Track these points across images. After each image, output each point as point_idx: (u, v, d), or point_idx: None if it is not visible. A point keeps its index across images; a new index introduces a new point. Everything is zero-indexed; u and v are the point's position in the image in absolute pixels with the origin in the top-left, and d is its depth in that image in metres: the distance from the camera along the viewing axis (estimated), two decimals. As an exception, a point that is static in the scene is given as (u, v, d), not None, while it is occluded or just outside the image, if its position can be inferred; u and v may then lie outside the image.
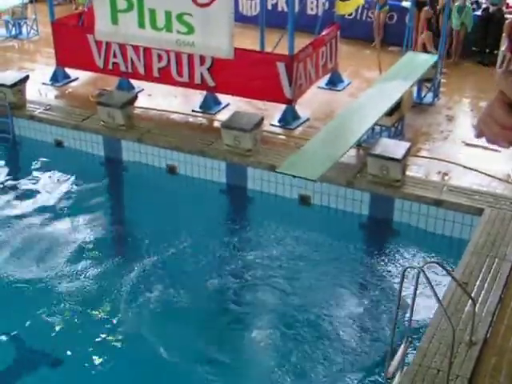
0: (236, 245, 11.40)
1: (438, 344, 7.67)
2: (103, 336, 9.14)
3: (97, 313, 9.60)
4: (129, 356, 8.86)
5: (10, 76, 14.60)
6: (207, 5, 12.20)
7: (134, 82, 14.75)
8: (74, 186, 12.77)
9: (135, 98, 13.60)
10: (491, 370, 7.34)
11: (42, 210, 12.03)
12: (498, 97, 1.66)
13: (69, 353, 8.86)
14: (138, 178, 13.04)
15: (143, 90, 14.76)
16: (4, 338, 9.13)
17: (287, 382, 8.39)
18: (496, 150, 11.81)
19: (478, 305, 8.00)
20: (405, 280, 7.22)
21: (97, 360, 8.72)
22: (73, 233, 11.36)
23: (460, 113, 14.14)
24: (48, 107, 14.20)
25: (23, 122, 14.12)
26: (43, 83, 15.39)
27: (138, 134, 13.02)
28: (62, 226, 11.57)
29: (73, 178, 12.99)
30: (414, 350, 7.93)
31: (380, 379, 7.95)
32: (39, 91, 15.03)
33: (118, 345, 9.04)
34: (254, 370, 8.72)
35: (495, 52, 16.41)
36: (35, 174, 13.23)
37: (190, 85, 13.82)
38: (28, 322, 9.36)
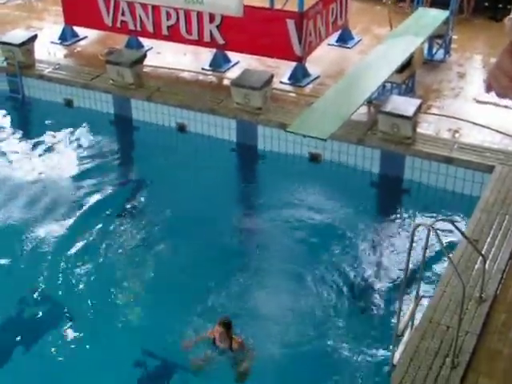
0: (246, 202, 11.45)
1: (447, 301, 7.71)
2: (110, 290, 9.24)
3: (103, 269, 9.66)
4: (141, 306, 8.97)
5: (18, 35, 14.50)
6: (216, -39, 12.07)
7: (142, 40, 14.65)
8: (84, 145, 12.79)
9: (144, 56, 13.52)
10: (501, 326, 7.38)
11: (51, 168, 12.07)
12: (507, 48, 1.64)
13: (77, 308, 8.98)
14: (147, 136, 13.04)
15: (152, 48, 14.68)
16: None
17: (296, 334, 8.49)
18: (508, 107, 11.75)
19: (488, 262, 8.02)
20: (415, 237, 7.24)
21: (103, 313, 8.84)
22: (82, 191, 11.40)
23: (471, 69, 14.00)
24: (57, 66, 14.16)
25: (32, 82, 14.09)
26: (52, 42, 15.32)
27: (148, 93, 12.99)
28: (72, 184, 11.63)
29: (82, 137, 13.00)
30: (424, 307, 7.96)
31: (390, 336, 8.00)
32: (48, 50, 14.96)
33: (126, 297, 9.12)
34: (265, 322, 8.78)
35: (508, 7, 16.18)
36: (45, 132, 13.23)
37: (199, 43, 13.73)
38: (35, 277, 9.46)
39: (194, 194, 11.18)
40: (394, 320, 7.92)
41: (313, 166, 11.71)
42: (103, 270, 9.63)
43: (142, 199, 11.55)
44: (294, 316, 8.80)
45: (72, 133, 13.17)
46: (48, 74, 13.94)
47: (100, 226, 10.48)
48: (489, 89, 1.74)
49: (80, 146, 12.80)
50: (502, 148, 10.86)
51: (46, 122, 13.58)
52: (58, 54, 14.92)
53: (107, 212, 10.89)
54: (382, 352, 8.18)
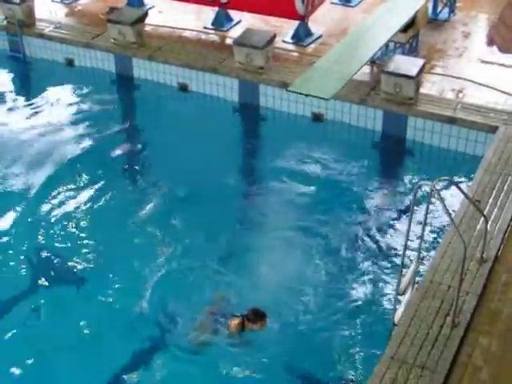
0: (248, 162, 11.43)
1: (449, 261, 7.72)
2: (106, 252, 9.28)
3: (103, 231, 9.68)
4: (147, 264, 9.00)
5: (18, -8, 14.35)
6: None
7: (144, -2, 14.54)
8: (86, 104, 12.74)
9: (146, 14, 13.40)
10: (501, 286, 7.40)
11: (53, 127, 12.04)
12: (510, 1, 1.61)
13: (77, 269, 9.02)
14: (149, 95, 12.98)
15: (154, 6, 14.56)
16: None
17: (299, 294, 8.54)
18: (512, 67, 11.66)
19: (490, 222, 8.01)
20: (417, 197, 7.23)
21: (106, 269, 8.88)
22: (83, 150, 11.39)
23: (476, 29, 13.85)
24: (58, 25, 14.05)
25: (33, 41, 14.00)
26: (52, 0, 15.19)
27: (150, 52, 12.90)
28: (73, 142, 11.60)
29: (84, 96, 12.95)
30: (426, 266, 7.99)
31: (392, 295, 8.03)
32: (48, 9, 14.82)
33: (122, 260, 9.15)
34: (260, 281, 8.83)
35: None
36: (47, 91, 13.19)
37: (201, 1, 13.60)
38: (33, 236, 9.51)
39: (196, 153, 11.14)
40: (395, 279, 7.94)
41: (315, 126, 11.66)
42: (101, 231, 9.65)
43: (144, 159, 11.54)
44: (297, 275, 8.83)
45: (73, 92, 13.12)
46: (49, 32, 13.83)
47: (100, 185, 10.48)
48: (491, 43, 1.71)
49: (81, 105, 12.75)
50: (506, 108, 10.78)
51: (48, 81, 13.53)
52: (59, 12, 14.80)
53: (108, 171, 10.88)
54: (383, 311, 8.22)
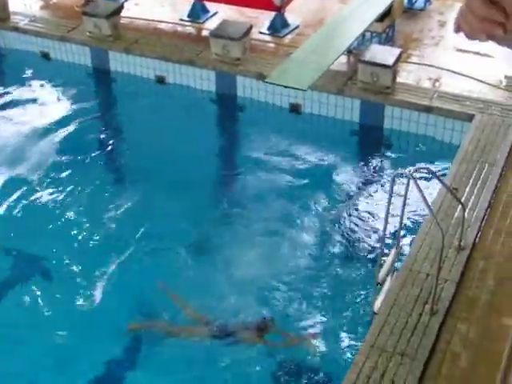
0: (226, 154, 11.42)
1: (427, 249, 7.77)
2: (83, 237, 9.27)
3: (81, 221, 9.64)
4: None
5: (-9, -14, 14.23)
6: None
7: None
8: (62, 98, 12.66)
9: (121, 7, 13.33)
10: (479, 273, 7.46)
11: (29, 121, 11.95)
12: None
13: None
14: (126, 88, 12.92)
15: (129, -2, 14.48)
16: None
17: (278, 282, 8.57)
18: (488, 56, 11.72)
19: (467, 210, 8.06)
20: (395, 186, 7.26)
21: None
22: (59, 143, 11.32)
23: (452, 18, 13.87)
24: (33, 18, 13.94)
25: (7, 34, 13.88)
26: (27, -7, 15.06)
27: (126, 45, 12.83)
28: (48, 136, 11.52)
29: (60, 90, 12.87)
30: (404, 255, 8.03)
31: (370, 285, 8.07)
32: (23, 2, 14.69)
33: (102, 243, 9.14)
34: (241, 268, 8.87)
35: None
36: (22, 86, 13.07)
37: (177, -7, 13.54)
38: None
39: (174, 145, 11.12)
40: (374, 268, 7.98)
41: (293, 116, 11.67)
42: (76, 223, 9.63)
43: (122, 152, 11.50)
44: (276, 265, 8.85)
45: (49, 86, 13.03)
46: (23, 26, 13.73)
47: (77, 178, 10.43)
48: (458, 30, 1.71)
49: (58, 99, 12.67)
50: (482, 97, 10.84)
51: (23, 75, 13.40)
52: (34, 5, 14.66)
53: (85, 164, 10.82)
54: (362, 300, 8.26)
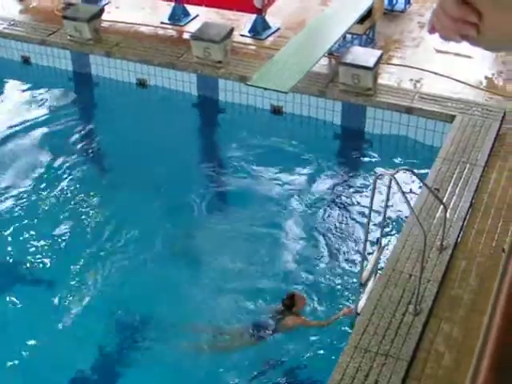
0: (208, 156, 11.40)
1: (410, 249, 7.79)
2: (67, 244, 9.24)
3: (59, 225, 9.61)
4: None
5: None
6: None
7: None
8: (44, 103, 12.60)
9: (102, 10, 13.28)
10: (461, 273, 7.50)
11: (9, 126, 11.88)
12: None
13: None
14: (107, 92, 12.88)
15: (110, 2, 14.43)
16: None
17: (261, 284, 8.59)
18: (468, 57, 11.78)
19: (449, 210, 8.10)
20: (377, 187, 7.28)
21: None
22: (41, 149, 11.27)
23: (432, 19, 13.94)
24: (12, 22, 13.85)
25: (-13, 39, 13.80)
26: (6, -3, 14.98)
27: (107, 48, 12.79)
28: (31, 141, 11.47)
29: (41, 95, 12.81)
30: (387, 256, 8.05)
31: (354, 285, 8.09)
32: (2, 6, 14.61)
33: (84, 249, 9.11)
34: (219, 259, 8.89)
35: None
36: (3, 91, 13.02)
37: (157, -4, 13.52)
38: None
39: (156, 148, 11.10)
40: (357, 269, 8.00)
41: (275, 119, 11.68)
42: (60, 223, 9.62)
43: (103, 156, 11.47)
44: (258, 267, 8.86)
45: (30, 91, 12.96)
46: (3, 30, 13.64)
47: (59, 184, 10.39)
48: (432, 30, 1.72)
49: (39, 104, 12.60)
50: (463, 97, 10.90)
51: (4, 80, 13.34)
52: (13, 9, 14.57)
53: (66, 168, 10.77)
54: (345, 301, 8.27)
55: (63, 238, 9.39)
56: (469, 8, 1.60)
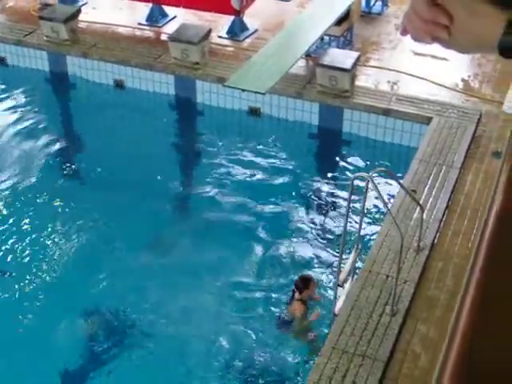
0: (186, 157, 11.39)
1: (387, 251, 7.82)
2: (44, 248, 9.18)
3: (37, 229, 9.57)
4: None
5: None
6: None
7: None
8: (20, 104, 12.51)
9: (79, 11, 13.21)
10: (438, 273, 7.54)
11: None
12: None
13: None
14: (84, 93, 12.81)
15: (87, 3, 14.35)
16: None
17: (237, 287, 8.59)
18: (445, 59, 11.85)
19: (425, 211, 8.14)
20: (354, 189, 7.30)
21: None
22: (18, 150, 11.19)
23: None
24: (-12, 22, 13.75)
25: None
26: (-18, -3, 14.86)
27: (84, 49, 12.72)
28: (7, 143, 11.39)
29: (18, 96, 12.72)
30: (364, 257, 8.08)
31: (332, 286, 8.11)
32: (-22, 6, 14.52)
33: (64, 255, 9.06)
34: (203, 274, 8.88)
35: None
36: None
37: (135, -3, 13.47)
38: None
39: (134, 150, 11.07)
40: (334, 270, 8.02)
41: (252, 120, 11.68)
42: (34, 229, 9.55)
43: (81, 158, 11.41)
44: (234, 271, 8.86)
45: (6, 92, 12.86)
46: (-21, 30, 13.54)
47: (34, 185, 10.34)
48: (404, 32, 1.73)
49: (15, 105, 12.52)
50: (439, 99, 10.97)
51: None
52: (-11, 9, 14.49)
53: (44, 172, 10.72)
54: (323, 302, 8.29)
55: (41, 240, 9.34)
56: (440, 10, 1.61)
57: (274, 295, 8.48)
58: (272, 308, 8.33)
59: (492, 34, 1.53)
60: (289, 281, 8.64)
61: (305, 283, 8.04)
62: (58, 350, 7.80)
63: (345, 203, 7.70)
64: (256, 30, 13.31)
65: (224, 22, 13.18)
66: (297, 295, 8.07)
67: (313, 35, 11.20)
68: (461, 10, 1.59)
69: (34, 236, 9.38)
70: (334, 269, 8.07)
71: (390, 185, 9.47)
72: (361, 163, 10.72)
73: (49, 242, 9.31)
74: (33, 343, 7.86)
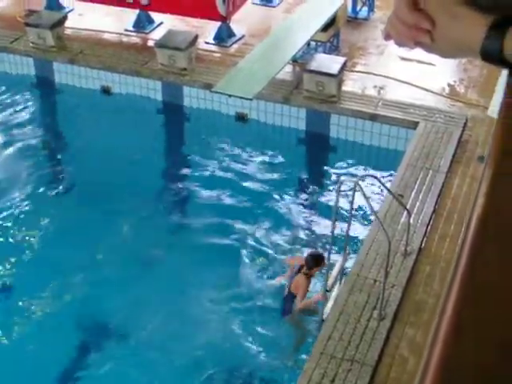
0: (173, 163, 11.38)
1: (374, 255, 7.84)
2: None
3: (23, 237, 9.56)
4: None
5: None
6: None
7: (63, 1, 14.28)
8: (5, 111, 12.46)
9: (65, 17, 13.19)
10: (425, 278, 7.57)
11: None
12: None
13: None
14: (71, 99, 12.77)
15: (73, 9, 14.33)
16: None
17: (223, 296, 8.59)
18: (431, 64, 11.90)
19: (412, 216, 8.17)
20: (341, 193, 7.33)
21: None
22: (3, 157, 11.15)
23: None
24: (-26, 29, 13.70)
25: None
26: (-33, 4, 14.82)
27: (70, 55, 12.70)
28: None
29: (4, 103, 12.66)
30: (352, 261, 8.09)
31: (319, 290, 8.12)
32: (-36, 12, 14.47)
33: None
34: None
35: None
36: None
37: (121, 3, 13.44)
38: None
39: (121, 156, 11.05)
40: (323, 275, 8.03)
41: (240, 126, 11.68)
42: (24, 236, 9.56)
43: (68, 164, 11.38)
44: (222, 276, 8.86)
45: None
46: (-36, 37, 13.49)
47: (22, 193, 10.30)
48: (387, 37, 1.74)
49: (1, 112, 12.46)
50: (426, 104, 11.01)
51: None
52: (-25, 16, 14.43)
53: (30, 179, 10.68)
54: (312, 308, 8.29)
55: (26, 248, 9.33)
56: (422, 15, 1.62)
57: (262, 300, 8.48)
58: (257, 319, 8.32)
59: (474, 39, 1.54)
60: (276, 287, 8.65)
61: (316, 262, 8.10)
62: (47, 359, 7.77)
63: (332, 208, 7.71)
64: (243, 36, 13.32)
65: (211, 27, 13.19)
66: (304, 269, 8.10)
67: (299, 41, 11.23)
68: (442, 15, 1.60)
69: (19, 244, 9.36)
70: (322, 274, 8.08)
71: (377, 189, 9.50)
72: (348, 168, 10.74)
73: (34, 250, 9.28)
74: (21, 352, 7.83)
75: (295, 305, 8.16)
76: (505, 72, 1.60)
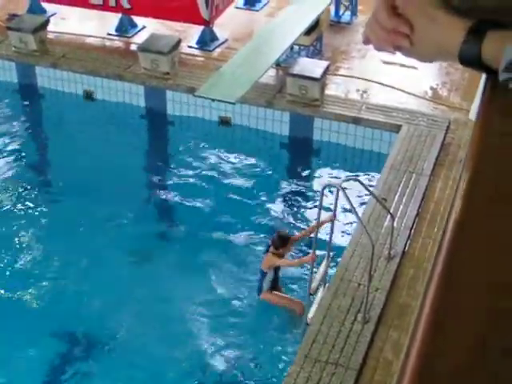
0: (156, 168, 11.35)
1: (358, 259, 7.85)
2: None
3: (12, 239, 9.51)
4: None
5: None
6: None
7: (45, 5, 14.21)
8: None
9: (47, 21, 13.12)
10: (409, 281, 7.59)
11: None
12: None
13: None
14: (54, 104, 12.72)
15: (56, 13, 14.26)
16: None
17: (211, 297, 8.57)
18: (413, 67, 11.94)
19: (396, 219, 8.19)
20: (325, 197, 7.33)
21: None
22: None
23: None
24: (-45, 34, 13.61)
25: None
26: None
27: (53, 60, 12.64)
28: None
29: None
30: (336, 265, 8.10)
31: (304, 294, 8.11)
32: None
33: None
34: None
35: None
36: None
37: (104, 7, 13.38)
38: None
39: (104, 161, 11.01)
40: (306, 279, 8.03)
41: (223, 130, 11.67)
42: (13, 238, 9.51)
43: (51, 170, 11.34)
44: (204, 284, 8.84)
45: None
46: None
47: (4, 199, 10.25)
48: (366, 41, 1.74)
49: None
50: (408, 107, 11.05)
51: None
52: (-44, 20, 14.34)
53: (12, 185, 10.63)
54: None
55: (13, 253, 9.29)
56: (401, 19, 1.62)
57: (242, 306, 8.47)
58: (242, 322, 8.31)
59: (452, 43, 1.54)
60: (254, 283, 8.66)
61: (283, 241, 8.01)
62: (32, 364, 7.74)
63: (315, 212, 7.71)
64: (226, 40, 13.31)
65: (194, 32, 13.18)
66: (271, 249, 8.04)
67: (282, 45, 11.23)
68: (421, 18, 1.60)
69: (5, 249, 9.31)
70: (306, 277, 8.07)
71: (361, 193, 9.51)
72: (331, 172, 10.76)
73: (20, 256, 9.23)
74: (6, 358, 7.79)
75: (265, 281, 8.13)
76: (484, 76, 1.60)
